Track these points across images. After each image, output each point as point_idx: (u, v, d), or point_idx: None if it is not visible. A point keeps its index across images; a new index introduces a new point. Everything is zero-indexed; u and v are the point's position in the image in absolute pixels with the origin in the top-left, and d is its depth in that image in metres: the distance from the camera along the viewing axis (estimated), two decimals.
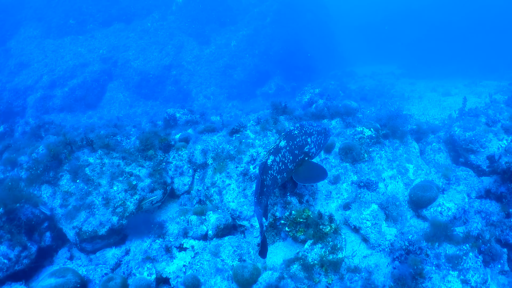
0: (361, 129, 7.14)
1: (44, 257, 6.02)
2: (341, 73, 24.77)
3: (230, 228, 5.74)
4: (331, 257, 4.45)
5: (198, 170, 6.86)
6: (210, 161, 6.43)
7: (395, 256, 4.57)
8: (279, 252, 5.57)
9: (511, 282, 4.97)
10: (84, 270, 5.23)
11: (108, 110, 18.85)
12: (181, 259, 5.15)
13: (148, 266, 5.07)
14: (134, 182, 6.17)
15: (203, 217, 5.59)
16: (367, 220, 5.31)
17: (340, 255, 4.50)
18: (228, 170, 6.13)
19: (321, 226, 4.59)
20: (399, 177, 6.87)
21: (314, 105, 9.77)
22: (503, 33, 31.46)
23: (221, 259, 4.72)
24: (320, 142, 5.10)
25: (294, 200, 5.77)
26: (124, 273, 5.17)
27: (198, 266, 4.89)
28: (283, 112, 7.65)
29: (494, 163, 6.88)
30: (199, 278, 4.70)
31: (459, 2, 37.05)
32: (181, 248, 5.32)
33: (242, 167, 6.09)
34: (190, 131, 8.67)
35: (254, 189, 5.81)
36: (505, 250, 5.29)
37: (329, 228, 4.58)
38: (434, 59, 28.07)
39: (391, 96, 18.26)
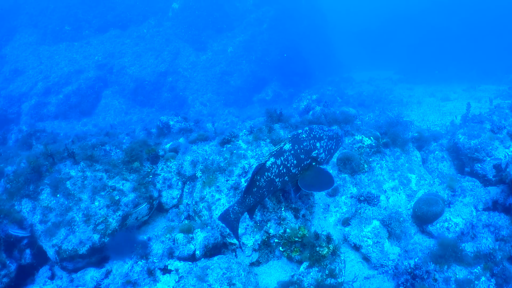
0: (361, 137, 6.75)
1: (24, 275, 5.73)
2: (339, 79, 24.55)
3: (220, 247, 5.30)
4: (329, 281, 4.01)
5: (188, 182, 6.45)
6: (199, 173, 6.01)
7: (400, 282, 4.13)
8: (273, 273, 5.16)
9: None
10: None
11: (103, 118, 18.54)
12: (165, 283, 4.71)
13: None
14: (117, 197, 5.75)
15: (191, 235, 5.15)
16: (368, 238, 4.88)
17: (339, 279, 4.07)
18: (218, 183, 5.71)
19: (318, 248, 4.16)
20: (401, 188, 6.47)
21: (311, 112, 9.42)
22: (500, 37, 31.33)
23: (208, 284, 4.28)
24: (330, 148, 4.78)
25: (289, 215, 5.35)
26: None
27: None
28: (278, 120, 7.26)
29: (501, 172, 6.50)
30: None
31: (455, 7, 37.01)
32: (165, 271, 4.89)
33: (233, 180, 5.67)
34: (181, 140, 8.26)
35: None
36: None
37: (326, 250, 4.14)
38: (431, 64, 27.93)
39: (389, 102, 17.99)
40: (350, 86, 22.90)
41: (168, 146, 7.55)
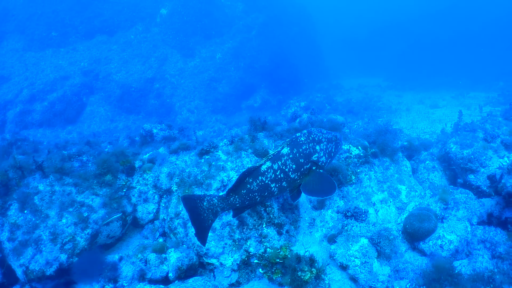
0: (348, 147, 6.41)
1: None
2: (328, 85, 24.45)
3: (196, 268, 4.87)
4: None
5: (165, 196, 6.02)
6: (174, 187, 5.58)
7: None
8: None
9: None
10: None
11: (88, 125, 18.05)
12: None
13: None
14: (86, 214, 5.30)
15: (164, 256, 4.72)
16: (356, 257, 4.51)
17: None
18: None
19: (299, 273, 3.77)
20: (391, 200, 6.13)
21: (298, 120, 9.09)
22: (489, 44, 31.72)
23: None
24: (330, 151, 4.48)
25: (271, 232, 4.97)
26: None
27: None
28: (262, 128, 6.89)
29: (495, 183, 6.22)
30: None
31: (444, 14, 37.47)
32: None
33: None
34: (161, 150, 7.84)
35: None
36: None
37: (309, 274, 3.76)
38: (419, 71, 28.14)
39: (378, 109, 17.86)
40: (339, 93, 22.79)
41: (146, 156, 7.12)
